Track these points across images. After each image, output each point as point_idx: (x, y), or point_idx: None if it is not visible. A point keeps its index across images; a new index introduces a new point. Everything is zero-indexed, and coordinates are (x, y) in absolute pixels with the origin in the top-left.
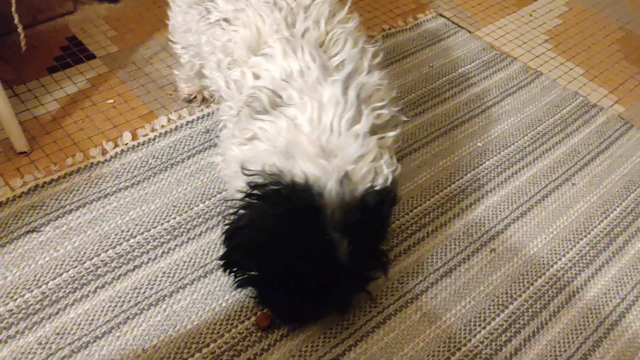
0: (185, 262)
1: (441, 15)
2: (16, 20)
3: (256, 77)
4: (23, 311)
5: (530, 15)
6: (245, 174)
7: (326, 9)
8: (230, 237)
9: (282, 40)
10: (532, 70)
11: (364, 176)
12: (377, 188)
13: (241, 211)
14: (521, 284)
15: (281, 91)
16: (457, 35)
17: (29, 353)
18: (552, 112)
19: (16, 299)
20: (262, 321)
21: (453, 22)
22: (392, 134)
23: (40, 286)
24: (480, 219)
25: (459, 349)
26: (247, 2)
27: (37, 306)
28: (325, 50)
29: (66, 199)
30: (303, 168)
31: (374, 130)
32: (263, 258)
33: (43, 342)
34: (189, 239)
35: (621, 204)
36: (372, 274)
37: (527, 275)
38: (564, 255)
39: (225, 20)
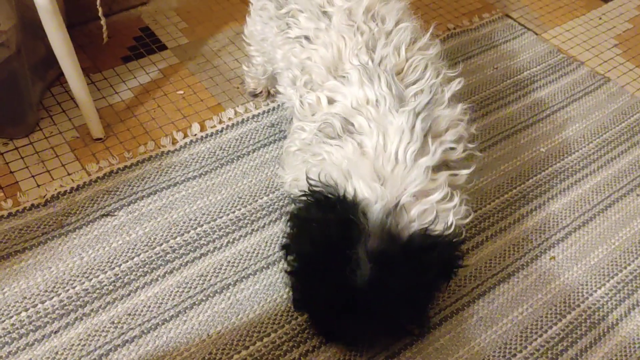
0: (249, 252)
1: (507, 15)
2: (100, 13)
3: (331, 102)
4: (97, 291)
5: (600, 18)
6: (307, 182)
7: (407, 36)
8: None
9: (360, 67)
10: (599, 76)
11: (422, 215)
12: (432, 232)
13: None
14: (580, 294)
15: (353, 118)
16: (524, 37)
17: (102, 331)
18: (619, 120)
19: (91, 279)
20: None
21: (519, 24)
22: (465, 171)
23: (114, 268)
24: (540, 226)
25: (514, 355)
26: (329, 23)
27: (110, 287)
28: (404, 78)
29: (138, 186)
30: (355, 186)
31: (445, 166)
32: (300, 258)
33: (115, 322)
34: (252, 230)
35: None
36: (406, 323)
37: (587, 285)
38: (626, 267)
39: (306, 37)
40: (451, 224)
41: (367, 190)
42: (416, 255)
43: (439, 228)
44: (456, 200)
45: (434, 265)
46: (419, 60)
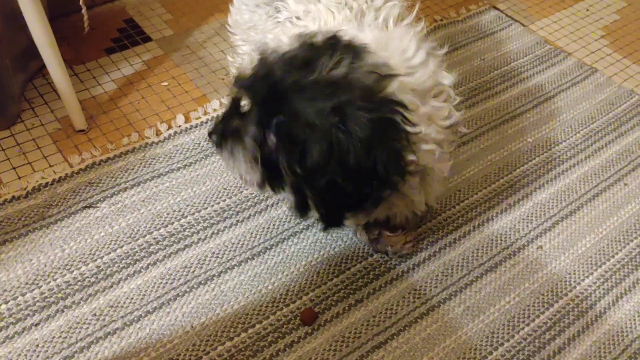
0: (233, 243)
1: (494, 7)
2: (81, 2)
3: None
4: (79, 283)
5: (587, 10)
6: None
7: (396, 11)
8: None
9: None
10: (586, 67)
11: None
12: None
13: None
14: (567, 283)
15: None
16: (511, 28)
17: (84, 323)
18: (606, 110)
19: (73, 271)
20: (307, 317)
21: (507, 15)
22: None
23: (96, 260)
24: (527, 216)
25: (502, 344)
26: (318, 4)
27: (92, 279)
28: None
29: (121, 177)
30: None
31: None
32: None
33: (97, 314)
34: (237, 221)
35: None
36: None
37: (574, 274)
38: (613, 257)
39: (297, 17)
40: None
41: (353, 31)
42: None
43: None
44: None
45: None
46: (406, 33)
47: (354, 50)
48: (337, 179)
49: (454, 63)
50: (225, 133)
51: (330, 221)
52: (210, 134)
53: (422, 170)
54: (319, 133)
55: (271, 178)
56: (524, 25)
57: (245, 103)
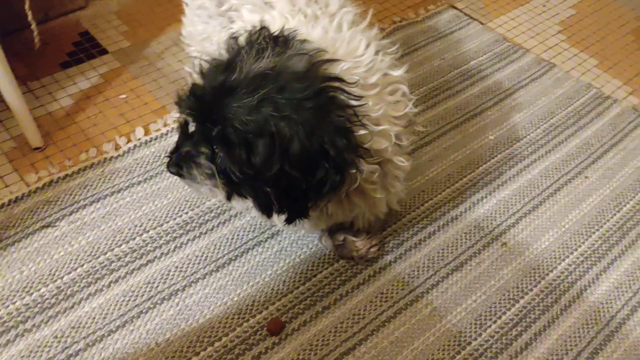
0: (197, 256)
1: (453, 6)
2: (30, 17)
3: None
4: (39, 305)
5: (544, 5)
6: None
7: (350, 16)
8: None
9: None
10: (545, 62)
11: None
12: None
13: None
14: (532, 278)
15: None
16: (469, 27)
17: (46, 346)
18: (565, 104)
19: (32, 293)
20: (274, 327)
21: (465, 14)
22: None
23: (56, 280)
24: (491, 213)
25: (470, 343)
26: (272, 10)
27: (53, 300)
28: None
29: (80, 194)
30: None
31: None
32: None
33: (59, 336)
34: (201, 233)
35: (634, 197)
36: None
37: (539, 269)
38: (576, 250)
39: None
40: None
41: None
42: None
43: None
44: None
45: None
46: (357, 35)
47: (281, 40)
48: (286, 168)
49: (414, 64)
50: (180, 161)
51: (294, 212)
52: (168, 166)
53: (381, 163)
54: (255, 129)
55: (234, 187)
56: (482, 24)
57: (190, 124)
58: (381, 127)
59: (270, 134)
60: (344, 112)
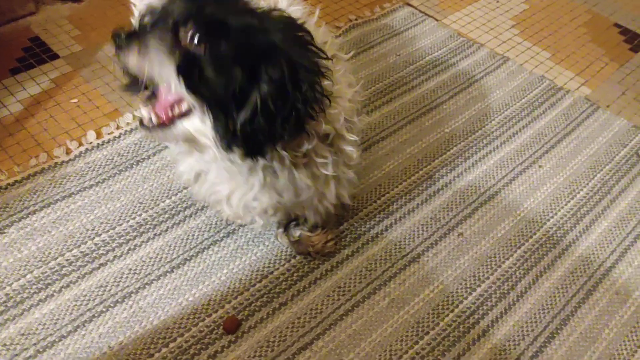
0: (151, 258)
1: (408, 4)
2: None
3: None
4: None
5: (497, 1)
6: None
7: (299, 14)
8: None
9: None
10: (499, 56)
11: None
12: None
13: None
14: (489, 267)
15: None
16: (424, 23)
17: None
18: (519, 97)
19: None
20: (229, 325)
21: (420, 11)
22: None
23: (4, 288)
24: (447, 204)
25: (427, 333)
26: None
27: (2, 308)
28: None
29: (30, 200)
30: None
31: None
32: None
33: (8, 344)
34: (155, 235)
35: (587, 184)
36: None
37: (495, 257)
38: (532, 237)
39: None
40: None
41: None
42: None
43: None
44: None
45: None
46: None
47: None
48: (263, 86)
49: (370, 61)
50: (133, 34)
51: (255, 144)
52: (114, 36)
53: (334, 138)
54: (239, 28)
55: (187, 71)
56: (437, 20)
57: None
58: (338, 87)
59: (252, 45)
60: (314, 55)
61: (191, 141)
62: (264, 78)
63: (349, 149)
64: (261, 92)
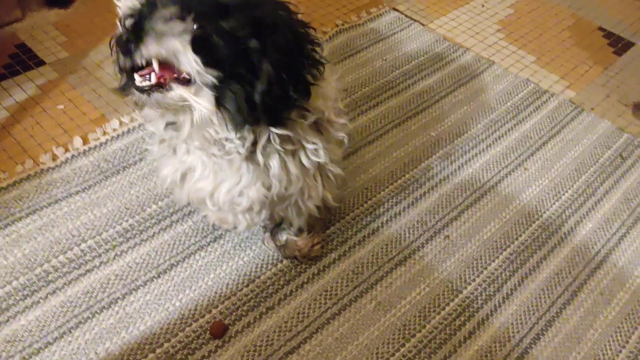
0: (138, 263)
1: (394, 9)
2: None
3: None
4: None
5: (483, 6)
6: None
7: None
8: None
9: None
10: (484, 60)
11: None
12: None
13: None
14: (475, 269)
15: None
16: (410, 28)
17: None
18: (504, 100)
19: None
20: (216, 330)
21: (406, 16)
22: None
23: None
24: (434, 207)
25: (414, 336)
26: None
27: None
28: None
29: (15, 207)
30: None
31: None
32: None
33: None
34: (142, 240)
35: (572, 185)
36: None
37: (481, 259)
38: (517, 239)
39: None
40: None
41: None
42: None
43: None
44: None
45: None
46: None
47: None
48: (273, 54)
49: (357, 65)
50: (136, 28)
51: (273, 111)
52: (118, 40)
53: (322, 123)
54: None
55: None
56: (423, 25)
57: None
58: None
59: (254, 18)
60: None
61: (184, 111)
62: (270, 47)
63: (339, 134)
64: (271, 61)
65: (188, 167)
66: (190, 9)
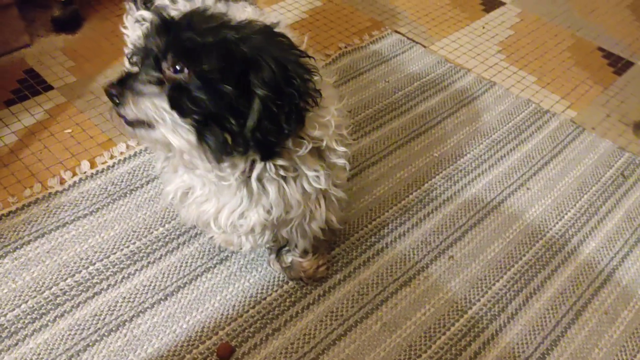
0: (145, 286)
1: (396, 31)
2: None
3: None
4: None
5: (483, 27)
6: None
7: None
8: None
9: None
10: (485, 81)
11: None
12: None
13: None
14: (479, 289)
15: None
16: (413, 50)
17: None
18: (506, 120)
19: None
20: (223, 352)
21: (408, 38)
22: None
23: None
24: (438, 227)
25: (420, 356)
26: None
27: None
28: None
29: (24, 230)
30: None
31: None
32: None
33: None
34: (149, 263)
35: (575, 205)
36: None
37: (485, 279)
38: (521, 259)
39: None
40: None
41: None
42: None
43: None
44: None
45: None
46: None
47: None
48: (257, 91)
49: (360, 87)
50: (123, 82)
51: (267, 144)
52: (107, 91)
53: (324, 151)
54: (218, 47)
55: (178, 102)
56: (424, 47)
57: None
58: (325, 97)
59: (234, 54)
60: (297, 54)
61: (166, 147)
62: (256, 83)
63: (340, 161)
64: (260, 97)
65: (188, 186)
66: (170, 51)
